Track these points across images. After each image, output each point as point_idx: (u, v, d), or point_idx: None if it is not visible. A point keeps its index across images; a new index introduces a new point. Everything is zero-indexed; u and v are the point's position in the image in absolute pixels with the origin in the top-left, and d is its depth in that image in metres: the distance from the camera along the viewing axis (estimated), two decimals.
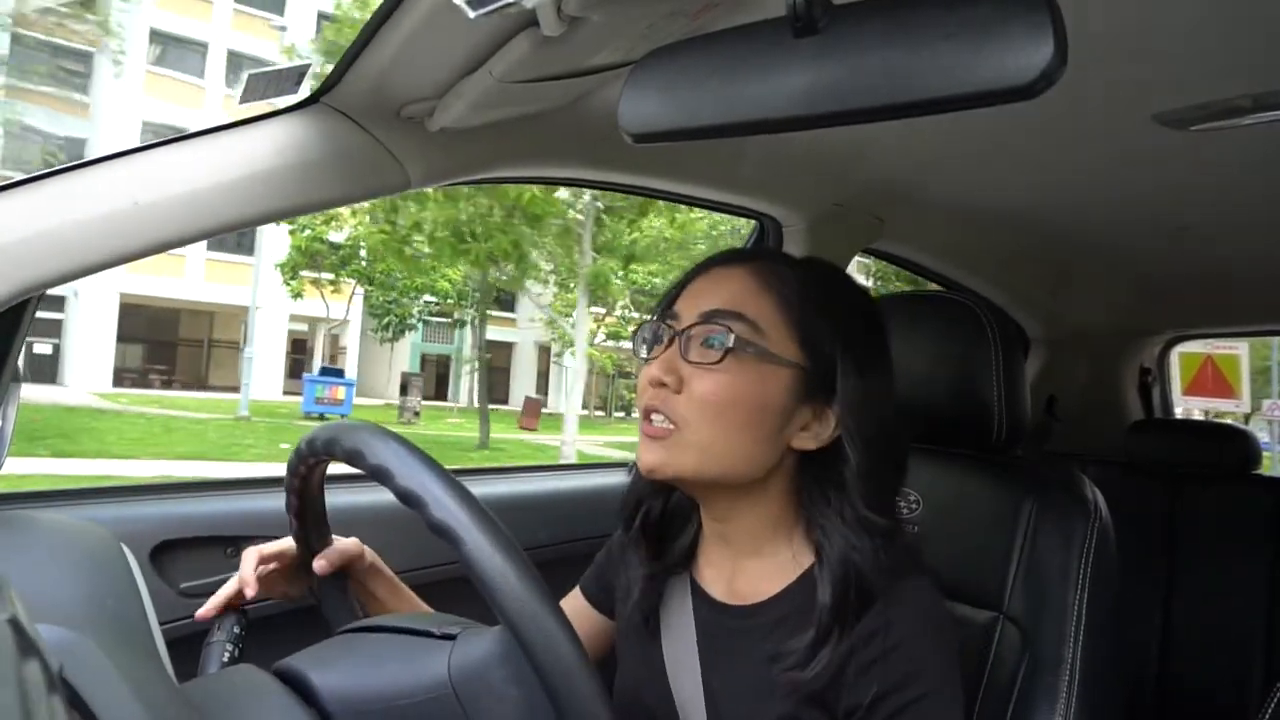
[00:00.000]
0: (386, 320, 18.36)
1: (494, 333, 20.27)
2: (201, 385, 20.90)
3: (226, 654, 0.75)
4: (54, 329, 19.07)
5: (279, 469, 0.79)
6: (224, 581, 0.97)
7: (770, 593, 0.72)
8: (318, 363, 20.17)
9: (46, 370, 19.00)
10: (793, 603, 0.70)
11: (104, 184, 0.72)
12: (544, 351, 24.24)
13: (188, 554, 0.95)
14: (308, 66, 0.99)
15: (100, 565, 0.60)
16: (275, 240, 16.48)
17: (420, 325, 19.89)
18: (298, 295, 16.75)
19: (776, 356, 0.68)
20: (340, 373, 17.72)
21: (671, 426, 0.68)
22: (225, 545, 0.98)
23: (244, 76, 0.95)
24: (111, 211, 0.71)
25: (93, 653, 0.46)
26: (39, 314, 0.75)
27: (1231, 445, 1.83)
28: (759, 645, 0.70)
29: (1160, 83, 0.90)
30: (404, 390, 18.02)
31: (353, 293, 17.29)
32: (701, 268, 0.75)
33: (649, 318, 0.76)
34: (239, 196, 0.77)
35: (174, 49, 19.39)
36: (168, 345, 21.78)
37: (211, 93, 19.49)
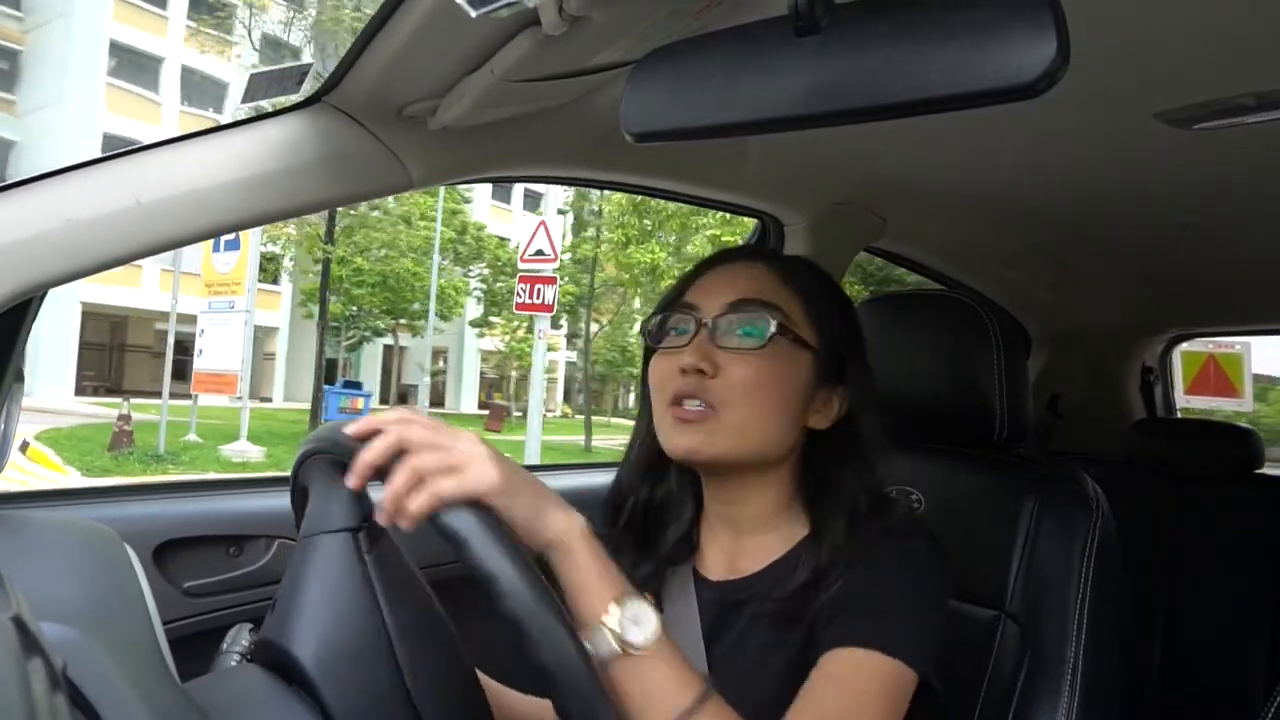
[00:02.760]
0: (353, 334, 19.74)
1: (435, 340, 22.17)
2: (117, 390, 18.71)
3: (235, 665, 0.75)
4: None
5: None
6: (227, 581, 0.97)
7: (767, 562, 0.76)
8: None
9: None
10: (786, 567, 0.75)
11: (107, 184, 0.72)
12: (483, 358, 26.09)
13: (190, 553, 0.95)
14: (309, 66, 0.99)
15: (103, 565, 0.61)
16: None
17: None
18: (309, 316, 18.04)
19: (806, 342, 0.74)
20: (359, 385, 19.63)
21: (708, 410, 0.71)
22: (228, 544, 0.98)
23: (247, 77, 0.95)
24: (114, 211, 0.71)
25: (96, 652, 0.47)
26: None
27: (1234, 445, 1.82)
28: (756, 607, 0.74)
29: (1163, 81, 0.90)
30: (403, 399, 20.24)
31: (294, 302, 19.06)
32: (714, 262, 0.79)
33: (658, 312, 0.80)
34: (241, 195, 0.77)
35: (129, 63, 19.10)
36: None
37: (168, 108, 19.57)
